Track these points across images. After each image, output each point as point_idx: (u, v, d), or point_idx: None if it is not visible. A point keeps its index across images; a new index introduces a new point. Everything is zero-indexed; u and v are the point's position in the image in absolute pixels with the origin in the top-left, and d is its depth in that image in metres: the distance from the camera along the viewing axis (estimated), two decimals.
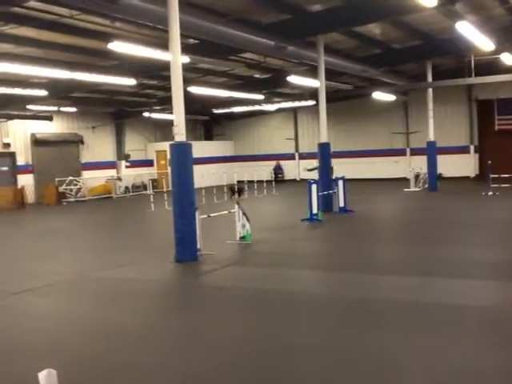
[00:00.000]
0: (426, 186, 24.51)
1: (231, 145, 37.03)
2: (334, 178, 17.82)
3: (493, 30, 17.04)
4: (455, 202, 19.81)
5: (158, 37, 14.90)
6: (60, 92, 22.35)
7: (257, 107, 30.83)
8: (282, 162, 35.18)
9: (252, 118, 35.66)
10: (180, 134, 10.87)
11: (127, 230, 16.75)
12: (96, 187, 28.51)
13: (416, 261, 10.17)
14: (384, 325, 6.61)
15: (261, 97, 27.63)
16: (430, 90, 24.66)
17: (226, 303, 8.04)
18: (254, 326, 6.83)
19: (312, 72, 20.69)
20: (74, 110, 27.57)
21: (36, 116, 26.11)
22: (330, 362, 5.55)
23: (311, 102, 26.77)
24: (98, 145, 30.43)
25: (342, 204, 17.33)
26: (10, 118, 25.24)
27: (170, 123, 11.43)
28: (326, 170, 17.99)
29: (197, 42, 16.06)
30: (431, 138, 24.61)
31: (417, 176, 25.34)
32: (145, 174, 31.32)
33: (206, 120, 35.92)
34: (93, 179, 28.66)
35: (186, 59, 15.30)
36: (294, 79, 21.63)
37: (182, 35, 10.98)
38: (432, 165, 24.33)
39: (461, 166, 30.01)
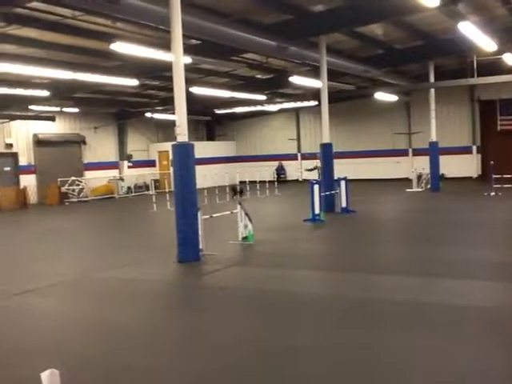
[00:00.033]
0: (429, 186, 24.49)
1: (233, 145, 37.02)
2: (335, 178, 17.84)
3: (495, 31, 17.03)
4: (457, 203, 19.80)
5: (161, 37, 14.90)
6: (62, 92, 22.37)
7: (259, 107, 30.82)
8: (285, 163, 35.16)
9: (254, 119, 35.67)
10: (182, 134, 10.87)
11: (129, 231, 16.76)
12: (98, 187, 28.53)
13: (418, 261, 10.16)
14: (387, 325, 6.61)
15: (263, 97, 27.63)
16: (433, 90, 24.65)
17: (228, 303, 8.04)
18: (257, 326, 6.83)
19: (314, 72, 20.74)
20: (76, 110, 27.61)
21: (38, 116, 26.14)
22: (332, 362, 5.55)
23: (313, 103, 26.73)
24: (101, 145, 30.45)
25: (344, 204, 17.31)
26: (13, 118, 25.26)
27: (172, 124, 11.45)
28: (328, 170, 17.99)
29: (199, 42, 16.08)
30: (433, 138, 24.61)
31: (419, 176, 25.31)
32: (147, 175, 31.34)
33: (208, 120, 35.93)
34: (95, 179, 28.68)
35: (188, 60, 15.30)
36: (296, 80, 21.62)
37: (184, 36, 11.00)
38: (434, 165, 24.32)
39: (463, 166, 29.98)
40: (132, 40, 14.93)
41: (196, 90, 22.03)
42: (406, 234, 14.15)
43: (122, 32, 15.24)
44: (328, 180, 17.61)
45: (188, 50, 14.05)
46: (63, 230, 17.21)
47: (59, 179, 26.22)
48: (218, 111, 31.90)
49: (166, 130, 31.88)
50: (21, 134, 26.47)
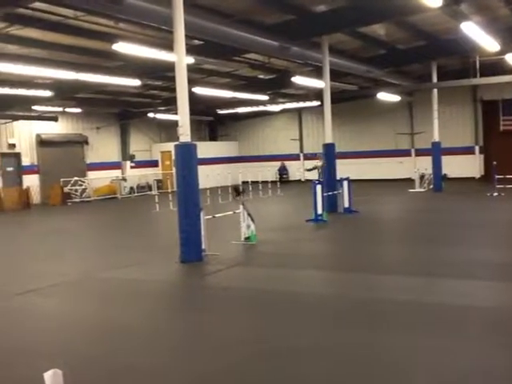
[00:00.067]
0: (431, 186, 24.47)
1: (236, 145, 37.03)
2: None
3: (498, 31, 17.01)
4: (460, 203, 19.78)
5: (163, 38, 14.91)
6: (65, 93, 22.39)
7: (261, 108, 30.84)
8: (287, 163, 35.15)
9: (256, 119, 35.67)
10: (185, 134, 10.88)
11: (132, 231, 16.77)
12: (101, 188, 28.55)
13: (421, 261, 10.15)
14: (389, 325, 6.60)
15: (265, 97, 27.64)
16: (435, 90, 24.63)
17: (231, 304, 8.04)
18: (259, 326, 6.83)
19: (317, 73, 20.72)
20: (78, 110, 27.64)
21: (41, 117, 26.17)
22: (335, 362, 5.55)
23: (316, 103, 26.74)
24: (103, 145, 30.48)
25: (346, 204, 17.31)
26: (16, 118, 25.30)
27: (175, 124, 11.44)
28: (331, 170, 17.98)
29: (201, 42, 16.09)
30: (436, 138, 24.59)
31: (422, 177, 25.29)
32: (150, 175, 31.37)
33: (211, 121, 35.95)
34: (98, 180, 28.71)
35: (191, 60, 15.31)
36: (298, 80, 21.62)
37: (186, 36, 11.00)
38: (437, 165, 24.30)
39: (466, 166, 29.94)
40: (134, 40, 14.94)
41: (198, 90, 22.05)
42: (408, 234, 14.14)
43: (124, 32, 15.25)
44: (330, 180, 17.60)
45: (190, 50, 14.07)
46: (66, 230, 17.24)
47: (62, 179, 26.26)
48: (220, 111, 31.91)
49: (168, 130, 31.87)
50: (24, 134, 26.51)
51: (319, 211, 15.64)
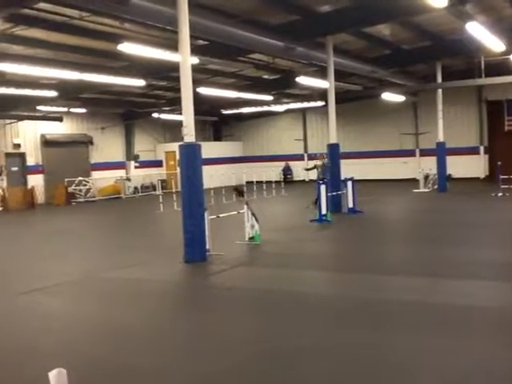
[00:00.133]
0: (436, 186, 24.44)
1: (240, 145, 37.05)
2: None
3: (503, 31, 16.99)
4: (465, 203, 19.75)
5: (168, 38, 14.93)
6: (70, 93, 22.44)
7: (265, 108, 30.84)
8: (291, 163, 35.14)
9: (261, 119, 35.68)
10: (189, 134, 10.89)
11: (136, 231, 16.79)
12: (105, 187, 28.61)
13: (425, 261, 10.14)
14: (393, 325, 6.60)
15: (270, 97, 27.65)
16: (440, 90, 24.60)
17: (235, 304, 8.05)
18: (263, 326, 6.83)
19: (321, 73, 20.71)
20: (83, 110, 27.70)
21: (46, 117, 26.24)
22: (338, 363, 5.55)
23: (320, 103, 26.71)
24: (108, 145, 30.53)
25: (351, 205, 17.30)
26: (20, 118, 25.37)
27: (179, 124, 11.46)
28: (335, 170, 17.98)
29: (206, 43, 16.10)
30: (441, 138, 24.57)
31: (426, 177, 25.27)
32: (154, 175, 31.40)
33: (215, 121, 35.98)
34: (102, 179, 28.76)
35: (196, 60, 15.32)
36: (303, 80, 21.61)
37: (191, 36, 11.02)
38: (441, 166, 24.27)
39: (470, 166, 29.90)
40: (139, 40, 14.97)
41: (203, 90, 22.07)
42: (412, 234, 14.13)
43: (129, 33, 15.28)
44: (335, 180, 17.60)
45: (195, 50, 14.08)
46: (70, 230, 17.27)
47: (66, 179, 26.32)
48: (224, 111, 31.94)
49: (172, 130, 31.91)
50: (28, 135, 26.57)
51: (323, 211, 15.64)
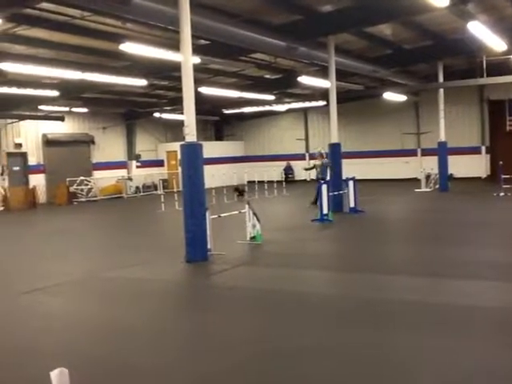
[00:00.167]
0: (437, 186, 24.42)
1: (241, 145, 37.05)
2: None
3: (505, 30, 16.97)
4: (466, 203, 19.74)
5: (170, 38, 14.93)
6: (71, 93, 22.45)
7: (267, 107, 30.82)
8: (293, 163, 35.13)
9: (262, 119, 35.68)
10: (191, 134, 10.89)
11: (137, 230, 16.80)
12: (107, 187, 28.62)
13: (426, 261, 10.14)
14: (395, 325, 6.60)
15: (271, 97, 27.64)
16: (441, 90, 24.57)
17: (236, 303, 8.05)
18: (265, 326, 6.84)
19: (323, 72, 20.70)
20: (85, 110, 27.73)
21: (47, 116, 26.26)
22: (339, 363, 5.54)
23: (322, 103, 26.69)
24: (109, 145, 30.55)
25: (352, 204, 17.28)
26: (22, 118, 25.40)
27: (181, 123, 11.46)
28: (336, 170, 17.98)
29: (208, 42, 16.09)
30: (442, 138, 24.54)
31: (428, 176, 25.24)
32: (155, 174, 31.41)
33: (217, 120, 35.98)
34: (104, 179, 28.78)
35: (197, 60, 15.32)
36: (304, 80, 21.61)
37: (193, 36, 11.02)
38: (443, 165, 24.25)
39: (472, 166, 29.88)
40: (141, 40, 14.97)
41: (204, 90, 22.07)
42: (414, 234, 14.12)
43: (130, 32, 15.28)
44: (336, 180, 17.60)
45: (197, 50, 14.07)
46: (72, 229, 17.28)
47: (68, 179, 26.34)
48: (226, 111, 31.93)
49: (174, 129, 31.93)
50: (30, 134, 26.60)
51: (325, 211, 15.64)
